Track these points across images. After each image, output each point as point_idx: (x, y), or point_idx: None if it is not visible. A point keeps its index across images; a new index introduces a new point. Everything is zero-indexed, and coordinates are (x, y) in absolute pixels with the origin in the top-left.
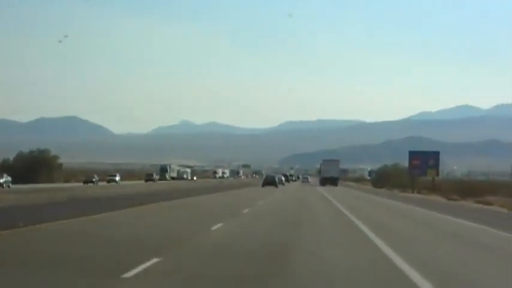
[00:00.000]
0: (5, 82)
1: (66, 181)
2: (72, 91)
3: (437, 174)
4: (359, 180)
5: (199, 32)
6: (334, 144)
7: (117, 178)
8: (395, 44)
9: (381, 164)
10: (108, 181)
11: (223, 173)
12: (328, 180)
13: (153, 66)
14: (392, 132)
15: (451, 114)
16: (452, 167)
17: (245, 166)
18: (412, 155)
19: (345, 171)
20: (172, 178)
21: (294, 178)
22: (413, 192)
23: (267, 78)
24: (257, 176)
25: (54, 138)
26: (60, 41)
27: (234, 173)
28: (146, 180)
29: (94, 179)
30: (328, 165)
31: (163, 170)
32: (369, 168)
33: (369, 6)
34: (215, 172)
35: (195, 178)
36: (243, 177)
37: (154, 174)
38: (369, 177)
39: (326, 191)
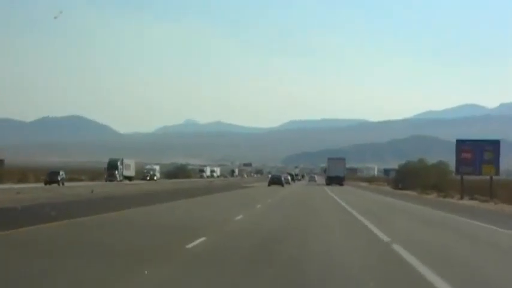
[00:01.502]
0: (9, 81)
1: (20, 181)
2: (77, 91)
3: (498, 173)
4: (372, 180)
5: (204, 32)
6: (338, 144)
7: None
8: (401, 43)
9: (386, 163)
10: None
11: (212, 171)
12: (334, 180)
13: (157, 65)
14: (397, 131)
15: (456, 113)
16: None
17: (246, 165)
18: (462, 145)
19: (353, 170)
20: (127, 178)
21: (299, 177)
22: (462, 197)
23: (271, 77)
24: (255, 175)
25: (59, 137)
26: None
27: (231, 171)
28: (47, 183)
29: None
30: (334, 164)
31: (111, 166)
32: (376, 167)
33: (373, 6)
34: (202, 171)
35: (155, 178)
36: (239, 176)
37: (60, 173)
38: (385, 176)
39: (337, 193)
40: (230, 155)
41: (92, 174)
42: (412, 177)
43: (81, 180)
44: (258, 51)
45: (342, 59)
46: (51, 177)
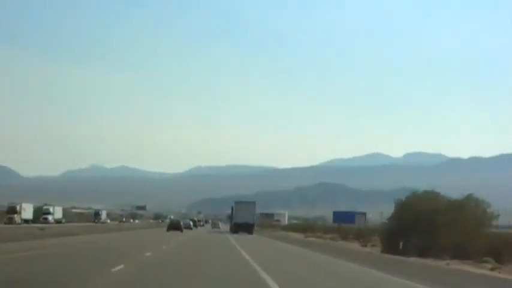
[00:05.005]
0: None
1: None
2: None
3: None
4: (307, 228)
5: (109, 74)
6: (244, 190)
7: None
8: (307, 91)
9: (293, 210)
10: None
11: (45, 213)
12: (242, 227)
13: (63, 108)
14: (305, 179)
15: (362, 162)
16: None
17: (140, 208)
18: None
19: (269, 215)
20: None
21: (201, 223)
22: None
23: (177, 123)
24: (133, 220)
25: None
26: None
27: (94, 213)
28: None
29: None
30: (242, 208)
31: None
32: (286, 213)
33: (280, 52)
34: (12, 211)
35: None
36: (106, 220)
37: None
38: (334, 224)
39: (260, 255)
40: (136, 200)
41: None
42: (427, 229)
43: None
44: (163, 95)
45: (249, 106)
46: None
